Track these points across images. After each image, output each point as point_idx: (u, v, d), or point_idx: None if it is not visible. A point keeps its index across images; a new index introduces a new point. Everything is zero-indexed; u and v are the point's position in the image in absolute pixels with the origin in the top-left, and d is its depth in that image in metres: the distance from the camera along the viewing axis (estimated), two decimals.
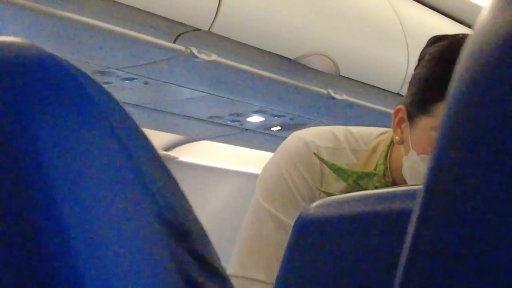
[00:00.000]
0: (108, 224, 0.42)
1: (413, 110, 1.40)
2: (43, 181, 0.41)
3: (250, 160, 4.46)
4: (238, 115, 3.51)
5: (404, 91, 3.78)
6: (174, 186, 0.49)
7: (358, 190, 1.49)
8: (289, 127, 3.69)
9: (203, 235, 0.48)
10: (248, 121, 3.63)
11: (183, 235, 0.45)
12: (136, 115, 3.08)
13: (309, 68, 2.94)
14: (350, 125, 3.71)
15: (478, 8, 4.08)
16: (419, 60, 1.48)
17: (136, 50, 2.56)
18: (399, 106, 1.44)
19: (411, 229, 0.39)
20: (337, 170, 1.49)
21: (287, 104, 3.37)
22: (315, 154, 1.49)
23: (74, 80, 0.44)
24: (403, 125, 1.42)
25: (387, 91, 3.36)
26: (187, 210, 0.48)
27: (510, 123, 0.34)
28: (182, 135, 4.03)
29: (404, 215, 0.90)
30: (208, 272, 0.46)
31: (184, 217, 0.47)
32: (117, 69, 2.75)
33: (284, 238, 1.51)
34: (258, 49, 2.74)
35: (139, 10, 2.35)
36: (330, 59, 2.98)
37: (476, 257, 0.34)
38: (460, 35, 1.45)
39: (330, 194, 1.50)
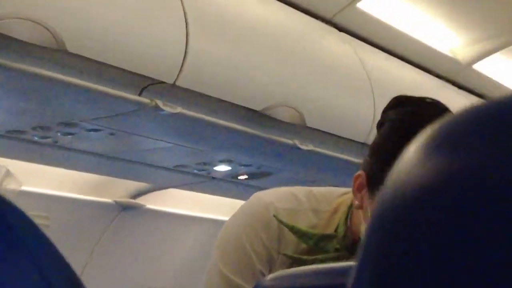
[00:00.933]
0: None
1: (373, 180, 1.39)
2: None
3: (218, 207, 4.44)
4: (205, 164, 3.51)
5: (370, 141, 3.79)
6: None
7: (319, 252, 1.49)
8: (256, 176, 3.70)
9: None
10: (215, 170, 3.62)
11: None
12: (102, 164, 3.08)
13: (275, 119, 2.94)
14: (317, 173, 3.73)
15: (444, 57, 4.14)
16: (380, 123, 1.47)
17: (101, 103, 2.56)
18: (359, 172, 1.43)
19: None
20: (297, 232, 1.48)
21: (254, 154, 3.37)
22: (274, 216, 1.49)
23: None
24: (363, 191, 1.41)
25: (353, 141, 3.38)
26: None
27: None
28: (148, 183, 4.01)
29: None
30: None
31: None
32: (82, 121, 2.74)
33: None
34: (224, 101, 2.75)
35: (104, 64, 2.35)
36: (296, 110, 2.99)
37: None
38: (423, 101, 1.44)
39: (290, 257, 1.49)
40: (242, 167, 3.54)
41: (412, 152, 0.39)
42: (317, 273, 0.98)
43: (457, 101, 4.17)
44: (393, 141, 1.37)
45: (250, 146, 3.20)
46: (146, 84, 2.54)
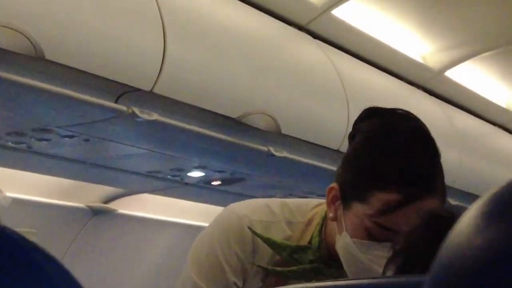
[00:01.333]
0: None
1: (347, 193, 1.40)
2: None
3: (191, 211, 4.44)
4: (178, 170, 3.50)
5: (344, 148, 3.80)
6: None
7: (293, 263, 1.49)
8: (229, 182, 3.70)
9: None
10: (188, 176, 3.62)
11: None
12: (76, 169, 3.06)
13: (250, 126, 2.95)
14: (290, 180, 3.73)
15: (415, 64, 4.17)
16: (352, 135, 1.48)
17: (77, 110, 2.54)
18: (332, 185, 1.44)
19: None
20: (271, 244, 1.49)
21: (228, 160, 3.38)
22: (249, 228, 1.49)
23: (26, 252, 0.43)
24: (337, 204, 1.42)
25: (327, 148, 3.39)
26: None
27: None
28: (121, 189, 4.00)
29: None
30: None
31: None
32: (57, 127, 2.72)
33: None
34: (200, 108, 2.75)
35: (81, 71, 2.34)
36: (271, 117, 3.00)
37: None
38: (394, 113, 1.45)
39: (264, 268, 1.50)
40: (216, 173, 3.54)
41: (470, 218, 0.38)
42: None
43: (429, 108, 4.22)
44: (365, 153, 1.39)
45: (224, 153, 3.20)
46: (122, 91, 2.54)
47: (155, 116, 2.64)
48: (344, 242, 1.39)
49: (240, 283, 1.52)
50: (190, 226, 4.45)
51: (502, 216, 0.36)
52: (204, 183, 3.74)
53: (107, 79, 2.43)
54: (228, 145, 3.03)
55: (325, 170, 3.38)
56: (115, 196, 4.07)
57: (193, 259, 1.56)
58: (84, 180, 3.73)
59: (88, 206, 4.03)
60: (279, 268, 1.49)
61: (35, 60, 2.22)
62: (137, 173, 3.56)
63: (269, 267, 1.49)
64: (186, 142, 3.00)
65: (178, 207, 4.41)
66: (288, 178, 3.68)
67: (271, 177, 3.67)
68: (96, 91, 2.48)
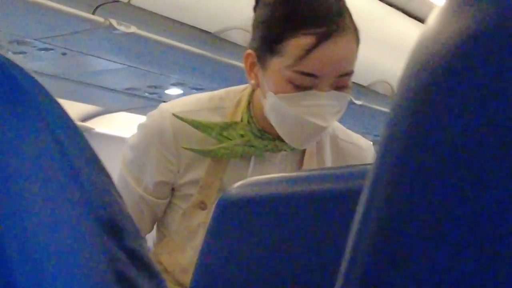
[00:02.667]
0: (38, 220, 0.42)
1: (262, 53, 1.39)
2: None
3: None
4: (156, 87, 3.49)
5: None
6: (108, 182, 0.49)
7: (224, 142, 1.49)
8: None
9: (135, 231, 0.49)
10: (166, 94, 3.61)
11: (116, 231, 0.46)
12: (52, 85, 3.04)
13: (228, 42, 2.94)
14: None
15: None
16: (255, 5, 1.47)
17: (54, 21, 2.52)
18: (248, 51, 1.43)
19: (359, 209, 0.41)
20: (198, 126, 1.47)
21: (206, 77, 3.37)
22: (173, 115, 1.48)
23: (7, 73, 0.44)
24: (255, 69, 1.42)
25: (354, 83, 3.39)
26: (120, 206, 0.49)
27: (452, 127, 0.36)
28: (99, 106, 3.99)
29: (326, 195, 0.93)
30: (140, 267, 0.47)
31: (117, 214, 0.47)
32: (34, 39, 2.70)
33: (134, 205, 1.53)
34: (178, 22, 2.73)
35: None
36: (249, 32, 2.99)
37: (420, 237, 0.37)
38: None
39: (194, 150, 1.48)
40: (194, 90, 3.53)
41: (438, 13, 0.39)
42: (284, 180, 1.00)
43: None
44: (272, 8, 1.39)
45: (202, 69, 3.19)
46: (100, 2, 2.51)
47: (132, 29, 2.62)
48: (270, 103, 1.38)
49: (169, 180, 1.52)
50: None
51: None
52: None
53: None
54: (206, 60, 3.02)
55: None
56: (92, 114, 4.07)
57: (124, 153, 1.56)
58: (61, 97, 3.71)
59: None
60: (207, 148, 1.48)
61: None
62: (115, 90, 3.55)
63: (198, 148, 1.48)
64: (163, 57, 2.99)
65: None
66: None
67: None
68: (73, 2, 2.45)
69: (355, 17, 1.38)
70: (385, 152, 0.40)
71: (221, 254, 0.98)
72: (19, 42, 2.73)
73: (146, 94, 3.63)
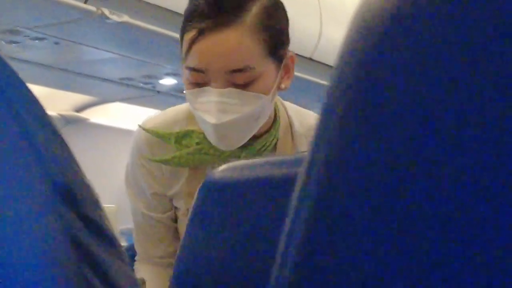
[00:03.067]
0: None
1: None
2: None
3: None
4: (150, 77, 3.49)
5: (317, 57, 3.79)
6: (65, 149, 0.49)
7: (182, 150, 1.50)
8: None
9: (94, 200, 0.49)
10: (160, 84, 3.61)
11: (72, 198, 0.46)
12: (46, 76, 3.03)
13: None
14: None
15: None
16: None
17: (46, 10, 2.51)
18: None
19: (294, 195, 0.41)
20: (157, 135, 1.50)
21: None
22: (141, 127, 1.50)
23: None
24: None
25: (300, 55, 3.38)
26: (78, 175, 0.49)
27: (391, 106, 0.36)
28: (93, 96, 3.98)
29: None
30: (97, 236, 0.47)
31: (73, 182, 0.47)
32: (27, 28, 2.69)
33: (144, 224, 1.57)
34: (171, 11, 2.72)
35: None
36: None
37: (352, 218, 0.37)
38: None
39: (155, 160, 1.51)
40: None
41: None
42: (269, 163, 1.00)
43: None
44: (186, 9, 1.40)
45: None
46: None
47: (125, 18, 2.61)
48: (188, 101, 1.40)
49: (165, 190, 1.55)
50: None
51: None
52: (176, 91, 3.74)
53: None
54: None
55: (300, 79, 3.38)
56: (87, 104, 4.06)
57: (125, 181, 1.62)
58: (56, 87, 3.71)
59: (60, 115, 4.02)
60: (163, 157, 1.49)
61: None
62: (109, 80, 3.54)
63: (157, 158, 1.50)
64: (157, 46, 2.98)
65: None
66: None
67: None
68: None
69: None
70: (322, 126, 0.40)
71: (205, 238, 0.98)
72: (11, 32, 2.72)
73: (141, 84, 3.62)
